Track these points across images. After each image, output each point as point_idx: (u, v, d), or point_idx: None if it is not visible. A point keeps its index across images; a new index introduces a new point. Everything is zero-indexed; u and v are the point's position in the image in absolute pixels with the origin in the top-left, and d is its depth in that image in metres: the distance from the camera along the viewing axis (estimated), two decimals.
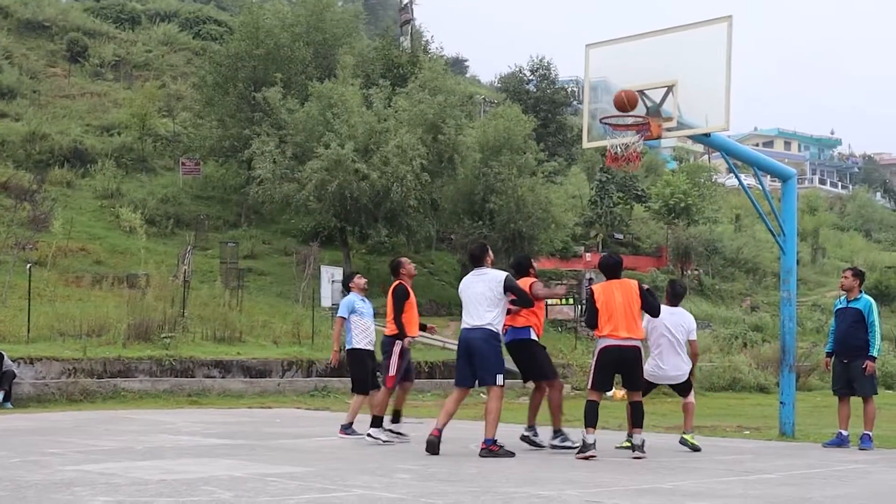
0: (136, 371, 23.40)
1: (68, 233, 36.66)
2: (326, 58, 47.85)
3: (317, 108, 41.06)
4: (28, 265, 29.22)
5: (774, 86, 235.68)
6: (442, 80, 43.98)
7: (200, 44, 64.97)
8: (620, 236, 59.62)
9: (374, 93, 41.89)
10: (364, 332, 14.04)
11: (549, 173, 45.19)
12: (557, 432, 12.75)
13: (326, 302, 36.07)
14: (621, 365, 11.91)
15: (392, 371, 13.23)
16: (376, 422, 13.34)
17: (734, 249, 61.78)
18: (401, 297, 13.25)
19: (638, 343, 11.96)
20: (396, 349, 13.22)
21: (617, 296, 11.84)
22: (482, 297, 11.80)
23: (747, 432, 13.01)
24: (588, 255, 55.65)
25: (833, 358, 14.17)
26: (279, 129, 41.96)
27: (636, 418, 12.05)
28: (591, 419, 11.67)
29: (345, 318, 14.00)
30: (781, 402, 15.26)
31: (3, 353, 20.78)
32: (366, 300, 14.32)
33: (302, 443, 13.40)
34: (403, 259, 13.94)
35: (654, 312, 12.35)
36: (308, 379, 25.63)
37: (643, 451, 11.73)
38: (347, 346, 14.00)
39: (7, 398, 20.15)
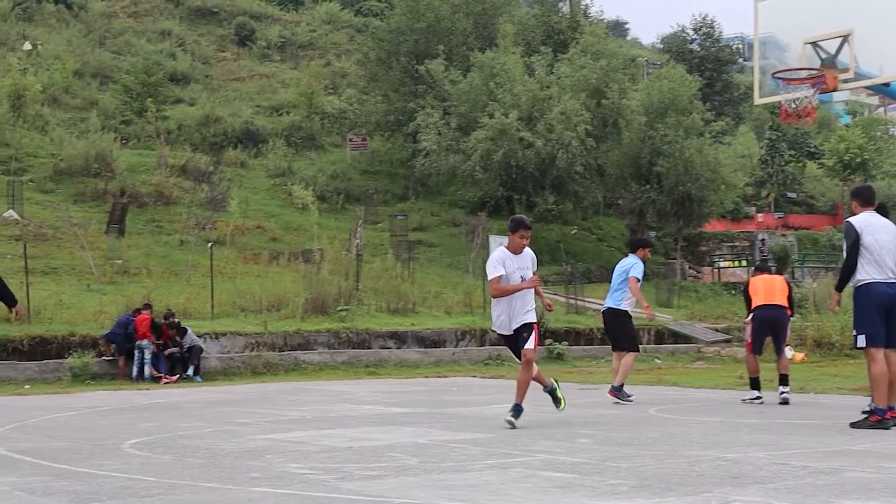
0: (315, 344, 24.04)
1: (244, 211, 37.81)
2: (487, 27, 47.90)
3: (479, 78, 41.19)
4: (209, 244, 30.26)
5: None
6: (603, 44, 43.54)
7: (362, 20, 65.93)
8: (793, 195, 57.99)
9: (535, 60, 41.77)
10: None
11: (717, 133, 44.26)
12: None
13: None
14: None
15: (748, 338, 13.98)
16: (783, 380, 13.75)
17: None
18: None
19: None
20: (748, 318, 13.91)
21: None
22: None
23: None
24: (759, 215, 54.33)
25: None
26: (443, 100, 42.27)
27: None
28: None
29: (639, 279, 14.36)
30: None
31: (188, 328, 21.65)
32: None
33: (480, 410, 13.54)
34: None
35: None
36: (481, 348, 25.86)
37: None
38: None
39: (196, 372, 21.01)
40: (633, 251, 14.51)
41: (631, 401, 13.94)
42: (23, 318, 12.32)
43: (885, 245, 10.52)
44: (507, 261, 10.88)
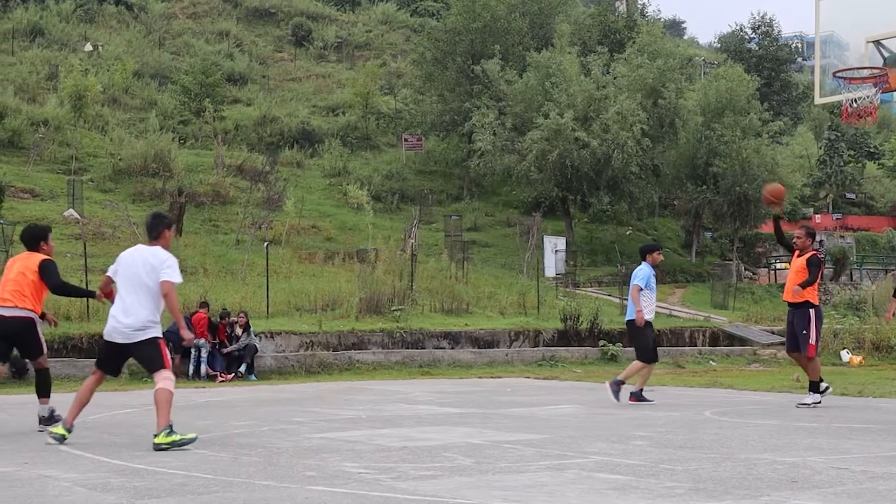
0: (369, 343, 24.11)
1: (300, 211, 38.01)
2: (543, 27, 47.85)
3: (535, 78, 41.12)
4: (265, 243, 30.45)
5: None
6: (660, 44, 43.27)
7: (418, 21, 66.08)
8: (853, 196, 57.26)
9: (591, 60, 41.60)
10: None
11: (775, 133, 43.84)
12: None
13: (550, 272, 36.17)
14: None
15: (811, 339, 13.40)
16: (813, 387, 13.63)
17: None
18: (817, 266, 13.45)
19: None
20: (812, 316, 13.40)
21: None
22: None
23: None
24: (817, 216, 53.72)
25: None
26: (498, 101, 42.26)
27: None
28: None
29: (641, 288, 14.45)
30: None
31: (251, 327, 21.79)
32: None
33: (534, 411, 13.52)
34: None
35: None
36: (535, 349, 25.80)
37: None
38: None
39: (250, 370, 21.17)
40: (643, 258, 14.76)
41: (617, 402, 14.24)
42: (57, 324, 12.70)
43: None
44: None
